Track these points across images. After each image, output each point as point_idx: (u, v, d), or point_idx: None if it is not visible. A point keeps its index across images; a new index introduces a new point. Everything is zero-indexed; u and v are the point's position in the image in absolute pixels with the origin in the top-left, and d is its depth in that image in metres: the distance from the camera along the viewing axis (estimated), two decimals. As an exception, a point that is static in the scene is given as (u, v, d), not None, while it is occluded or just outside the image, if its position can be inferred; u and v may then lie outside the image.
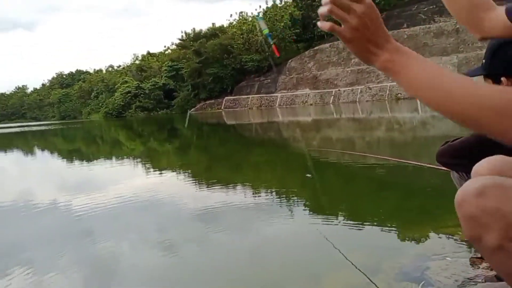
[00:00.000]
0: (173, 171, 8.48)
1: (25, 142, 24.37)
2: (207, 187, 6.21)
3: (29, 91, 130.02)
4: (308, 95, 50.70)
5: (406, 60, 0.83)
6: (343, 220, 4.00)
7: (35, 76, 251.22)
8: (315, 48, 53.47)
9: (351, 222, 3.92)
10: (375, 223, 3.82)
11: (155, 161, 10.76)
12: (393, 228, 3.68)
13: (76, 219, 4.76)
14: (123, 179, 7.52)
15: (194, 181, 7.03)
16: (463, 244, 2.92)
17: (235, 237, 3.79)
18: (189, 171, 8.34)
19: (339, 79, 48.72)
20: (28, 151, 17.93)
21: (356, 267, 2.68)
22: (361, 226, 3.78)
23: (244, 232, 3.91)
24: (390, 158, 6.10)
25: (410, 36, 43.45)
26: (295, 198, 5.06)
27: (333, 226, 3.80)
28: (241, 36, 59.60)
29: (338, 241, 3.24)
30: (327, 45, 51.96)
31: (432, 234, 3.32)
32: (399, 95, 40.99)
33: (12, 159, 14.85)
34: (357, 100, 44.41)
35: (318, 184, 5.83)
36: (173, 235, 3.94)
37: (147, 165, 9.93)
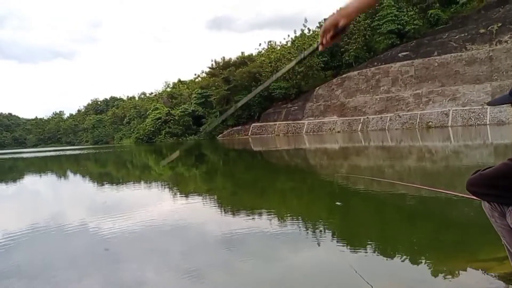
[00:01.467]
0: (199, 196, 8.51)
1: (59, 166, 25.28)
2: (233, 213, 6.17)
3: (65, 116, 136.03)
4: (336, 122, 50.40)
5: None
6: (373, 250, 3.85)
7: (72, 102, 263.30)
8: (343, 75, 53.61)
9: (381, 252, 3.77)
10: (406, 254, 3.65)
11: (182, 186, 10.86)
12: (424, 260, 3.50)
13: (103, 241, 4.81)
14: (150, 203, 7.60)
15: (219, 207, 7.01)
16: (498, 279, 2.73)
17: (260, 265, 3.71)
18: (215, 196, 8.35)
19: (367, 107, 48.31)
20: (61, 174, 18.55)
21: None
22: (391, 257, 3.62)
23: (270, 261, 3.82)
24: (421, 187, 5.90)
25: (441, 64, 42.83)
26: (323, 226, 4.93)
27: (362, 257, 3.67)
28: (269, 64, 60.66)
29: (367, 272, 3.13)
30: (355, 72, 51.99)
31: (465, 268, 3.13)
32: (430, 123, 40.08)
33: (45, 181, 15.39)
34: (386, 128, 43.71)
35: (347, 212, 5.70)
36: (198, 261, 3.90)
37: (174, 190, 10.03)
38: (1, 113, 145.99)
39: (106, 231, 5.27)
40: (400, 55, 47.89)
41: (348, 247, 4.01)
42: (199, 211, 6.56)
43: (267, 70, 60.47)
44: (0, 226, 6.04)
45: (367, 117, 47.23)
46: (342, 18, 1.49)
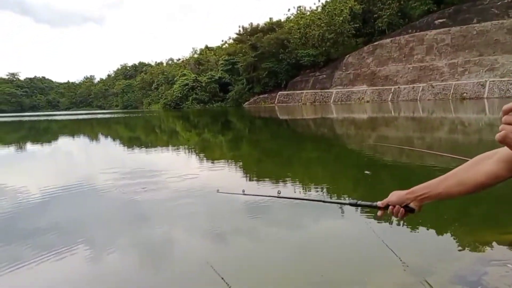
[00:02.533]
0: (224, 163, 8.62)
1: (91, 129, 26.11)
2: (258, 181, 6.24)
3: (96, 81, 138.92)
4: (365, 92, 49.17)
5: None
6: (401, 221, 3.83)
7: (101, 67, 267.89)
8: (375, 43, 51.63)
9: (407, 222, 3.74)
10: (433, 225, 3.61)
11: (208, 152, 11.03)
12: (451, 231, 3.46)
13: (132, 202, 5.00)
14: (177, 168, 7.78)
15: (244, 174, 7.10)
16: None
17: (285, 233, 3.77)
18: (240, 163, 8.44)
19: (399, 76, 46.69)
20: (93, 137, 19.19)
21: (409, 267, 2.57)
22: (417, 227, 3.60)
23: (294, 229, 3.88)
24: (453, 156, 5.73)
25: (480, 32, 40.45)
26: (350, 195, 4.92)
27: (387, 226, 3.67)
28: (298, 31, 59.03)
29: (392, 240, 3.13)
30: (387, 40, 49.97)
31: (493, 240, 3.08)
32: (465, 94, 38.45)
33: (78, 144, 15.98)
34: (418, 98, 42.31)
35: (376, 181, 5.65)
36: (224, 226, 4.00)
37: (201, 155, 10.20)
38: (36, 76, 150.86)
39: (136, 193, 5.46)
40: (436, 22, 45.47)
41: (373, 215, 4.00)
42: (223, 177, 6.67)
43: (295, 36, 58.95)
44: (37, 184, 6.36)
45: (398, 87, 45.75)
46: (414, 202, 1.28)
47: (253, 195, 2.16)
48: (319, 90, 55.12)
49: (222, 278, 2.67)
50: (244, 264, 3.04)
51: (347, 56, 53.71)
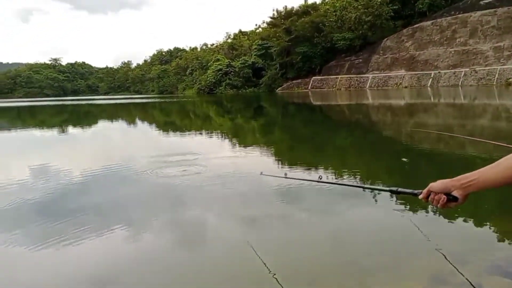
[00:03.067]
0: (257, 148, 8.65)
1: (129, 113, 26.90)
2: (296, 165, 6.22)
3: (133, 66, 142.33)
4: (403, 77, 47.51)
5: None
6: (437, 209, 3.72)
7: (138, 52, 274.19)
8: (415, 26, 49.53)
9: (444, 211, 3.63)
10: (471, 214, 3.49)
11: (244, 136, 11.10)
12: (489, 221, 3.33)
13: (174, 184, 5.14)
14: (216, 151, 7.89)
15: (277, 159, 7.10)
16: None
17: (317, 219, 3.77)
18: (277, 148, 8.45)
19: (440, 60, 44.69)
20: (131, 121, 19.78)
21: (444, 256, 2.51)
22: (454, 216, 3.49)
23: (332, 213, 3.87)
24: (497, 143, 5.45)
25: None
26: (387, 182, 4.81)
27: (423, 214, 3.59)
28: (334, 13, 57.52)
29: (427, 229, 3.08)
30: (428, 22, 47.80)
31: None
32: (511, 80, 36.31)
33: (118, 127, 16.54)
34: (460, 84, 40.41)
35: (414, 169, 5.50)
36: (265, 208, 4.05)
37: (237, 140, 10.29)
38: (76, 61, 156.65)
39: (171, 175, 5.60)
40: (481, 3, 42.86)
41: (411, 205, 3.90)
42: (256, 162, 6.70)
43: (331, 19, 57.50)
44: (79, 166, 6.66)
45: (439, 72, 43.83)
46: (458, 190, 1.23)
47: (294, 178, 2.17)
48: (355, 75, 53.79)
49: (260, 257, 2.72)
50: (281, 245, 3.08)
51: (385, 39, 51.90)
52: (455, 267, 2.41)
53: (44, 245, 3.23)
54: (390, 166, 6.02)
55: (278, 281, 2.41)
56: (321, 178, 1.87)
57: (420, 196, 1.33)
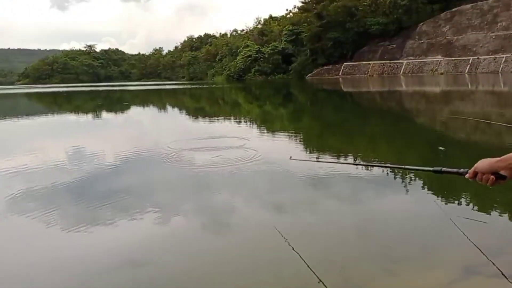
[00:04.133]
0: (285, 135, 8.58)
1: (160, 99, 27.37)
2: (319, 153, 6.13)
3: (164, 53, 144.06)
4: (439, 63, 45.66)
5: None
6: (470, 200, 3.57)
7: (170, 39, 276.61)
8: (453, 9, 47.26)
9: (476, 202, 3.47)
10: (505, 207, 3.32)
11: (269, 123, 11.04)
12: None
13: (198, 170, 5.19)
14: (246, 136, 7.88)
15: (305, 147, 7.01)
16: None
17: (345, 208, 3.70)
18: (301, 135, 8.35)
19: (479, 46, 42.57)
20: (162, 107, 20.12)
21: (476, 246, 2.41)
22: (487, 207, 3.34)
23: (361, 199, 3.80)
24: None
25: None
26: (420, 173, 4.62)
27: (455, 205, 3.46)
28: (368, -3, 55.72)
29: (460, 219, 2.98)
30: (468, 6, 45.49)
31: None
32: (558, 65, 34.17)
33: (149, 113, 16.87)
34: (500, 70, 38.40)
35: (451, 158, 5.31)
36: (285, 196, 4.02)
37: (262, 127, 10.26)
38: (110, 48, 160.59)
39: (200, 162, 5.66)
40: (529, -17, 40.20)
41: (444, 195, 3.76)
42: (284, 150, 6.63)
43: (364, 3, 55.76)
44: (112, 150, 6.85)
45: (478, 58, 41.78)
46: (505, 170, 1.21)
47: (327, 162, 2.11)
48: (388, 61, 52.19)
49: (286, 240, 2.74)
50: (310, 231, 3.07)
51: (421, 24, 49.88)
52: (487, 258, 2.33)
53: (78, 226, 3.34)
54: (425, 155, 5.82)
55: (309, 267, 2.38)
56: (356, 161, 1.82)
57: (467, 176, 1.32)
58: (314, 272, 2.31)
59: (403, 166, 1.65)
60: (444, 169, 1.40)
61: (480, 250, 2.45)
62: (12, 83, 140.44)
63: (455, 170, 1.37)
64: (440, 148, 5.84)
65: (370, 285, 2.29)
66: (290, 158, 2.48)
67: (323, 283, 2.22)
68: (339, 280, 2.31)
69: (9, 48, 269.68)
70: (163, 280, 2.45)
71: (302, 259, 2.47)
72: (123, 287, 2.39)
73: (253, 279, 2.44)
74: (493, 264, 2.28)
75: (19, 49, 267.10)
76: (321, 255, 2.65)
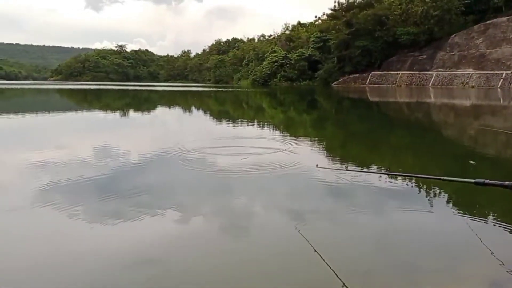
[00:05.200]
0: (308, 143, 8.51)
1: (186, 101, 27.75)
2: (344, 161, 6.03)
3: (192, 55, 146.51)
4: (471, 76, 44.42)
5: None
6: (497, 215, 3.43)
7: (198, 42, 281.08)
8: (488, 22, 45.99)
9: (505, 220, 3.32)
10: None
11: (292, 130, 10.99)
12: None
13: (219, 174, 5.20)
14: (271, 141, 7.88)
15: (328, 156, 6.92)
16: None
17: (368, 219, 3.62)
18: (324, 144, 8.26)
19: (514, 60, 41.19)
20: (188, 108, 20.39)
21: (502, 262, 2.29)
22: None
23: (385, 210, 3.72)
24: None
25: None
26: (445, 187, 4.48)
27: (483, 221, 3.35)
28: (399, 6, 54.94)
29: (487, 236, 2.93)
30: (504, 18, 44.18)
31: None
32: None
33: (175, 114, 17.12)
34: (536, 86, 37.01)
35: (482, 172, 5.13)
36: (308, 204, 3.97)
37: (285, 133, 10.22)
38: (140, 49, 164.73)
39: (222, 164, 5.68)
40: None
41: (469, 209, 3.63)
42: (305, 158, 6.58)
43: (395, 12, 54.99)
44: (137, 148, 6.96)
45: (511, 72, 40.40)
46: None
47: (356, 171, 2.07)
48: (417, 72, 51.21)
49: (309, 242, 2.76)
50: (334, 240, 3.05)
51: (453, 35, 48.77)
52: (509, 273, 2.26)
53: (101, 221, 3.41)
54: (456, 169, 5.64)
55: (335, 273, 2.34)
56: (388, 170, 1.79)
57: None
58: (337, 275, 2.32)
59: (442, 178, 1.61)
60: (487, 181, 1.37)
61: (508, 268, 2.37)
62: (45, 79, 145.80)
63: (499, 182, 1.34)
64: (471, 162, 5.65)
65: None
66: (317, 166, 2.47)
67: (346, 287, 2.23)
68: (363, 286, 2.30)
69: (44, 45, 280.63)
70: (182, 279, 2.45)
71: (325, 262, 2.45)
72: (140, 283, 2.40)
73: (274, 280, 2.42)
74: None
75: (53, 47, 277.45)
76: (345, 261, 2.64)
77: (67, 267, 2.62)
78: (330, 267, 2.43)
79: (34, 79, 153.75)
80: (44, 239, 3.09)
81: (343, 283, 2.27)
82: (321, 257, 2.57)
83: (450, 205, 3.91)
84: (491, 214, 3.57)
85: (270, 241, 3.02)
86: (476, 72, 44.17)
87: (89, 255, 2.79)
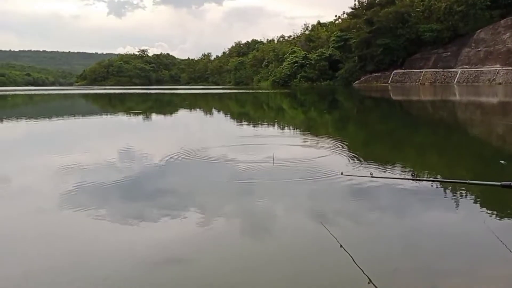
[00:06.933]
0: (329, 143, 8.43)
1: (206, 103, 28.01)
2: (362, 164, 5.95)
3: (212, 58, 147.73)
4: (498, 72, 43.03)
5: None
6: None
7: (218, 44, 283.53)
8: (515, 15, 44.45)
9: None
10: None
11: (313, 130, 10.93)
12: None
13: (240, 174, 5.23)
14: (280, 145, 7.87)
15: (349, 157, 6.83)
16: None
17: (390, 219, 3.58)
18: (346, 144, 8.17)
19: (544, 54, 39.67)
20: (208, 110, 20.58)
21: None
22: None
23: (408, 213, 3.67)
24: None
25: None
26: (471, 189, 4.33)
27: (505, 223, 3.29)
28: (422, 3, 53.85)
29: (508, 238, 2.84)
30: (533, 11, 42.58)
31: None
32: None
33: (196, 116, 17.31)
34: None
35: (508, 172, 4.98)
36: (325, 207, 3.95)
37: (305, 133, 10.17)
38: (161, 53, 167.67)
39: (242, 164, 5.70)
40: None
41: (491, 211, 3.55)
42: (326, 159, 6.53)
43: (418, 9, 53.92)
44: (159, 151, 7.07)
45: (542, 67, 38.94)
46: None
47: (383, 177, 2.04)
48: (441, 69, 49.99)
49: (335, 238, 2.81)
50: (358, 235, 3.13)
51: (478, 31, 47.38)
52: None
53: (124, 222, 3.49)
54: (486, 169, 5.48)
55: (362, 271, 2.33)
56: (415, 176, 1.78)
57: None
58: (363, 272, 2.37)
59: (468, 181, 1.59)
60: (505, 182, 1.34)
61: None
62: (71, 84, 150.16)
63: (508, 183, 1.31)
64: (502, 161, 5.48)
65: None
66: (342, 174, 2.48)
67: (373, 283, 2.26)
68: (389, 284, 2.34)
69: (69, 52, 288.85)
70: (205, 279, 2.49)
71: (352, 258, 2.49)
72: (162, 283, 2.45)
73: (303, 275, 2.43)
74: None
75: (78, 52, 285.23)
76: (371, 259, 2.67)
77: (91, 267, 2.70)
78: (356, 264, 2.48)
79: (60, 85, 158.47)
80: (67, 237, 3.20)
81: (370, 280, 2.30)
82: (348, 254, 2.61)
83: (475, 207, 3.83)
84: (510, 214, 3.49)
85: (297, 237, 3.13)
86: (504, 68, 42.75)
87: (110, 253, 2.87)
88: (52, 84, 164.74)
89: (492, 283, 2.38)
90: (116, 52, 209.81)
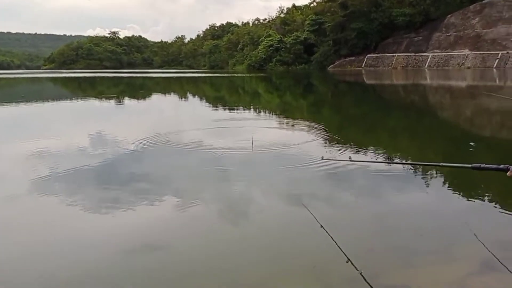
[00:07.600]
0: (306, 126, 8.51)
1: (180, 87, 27.56)
2: (339, 148, 6.05)
3: (186, 41, 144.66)
4: (467, 57, 44.29)
5: None
6: (492, 201, 3.48)
7: (192, 26, 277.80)
8: (484, 1, 45.58)
9: (497, 206, 3.39)
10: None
11: (289, 114, 10.97)
12: None
13: (216, 159, 5.21)
14: (257, 129, 7.88)
15: (324, 141, 6.92)
16: None
17: (366, 202, 3.66)
18: (323, 128, 8.26)
19: (509, 40, 41.04)
20: (183, 95, 20.27)
21: (483, 244, 2.34)
22: (499, 206, 3.25)
23: (382, 195, 3.76)
24: None
25: None
26: (443, 171, 4.48)
27: (471, 203, 3.40)
28: (394, -13, 54.23)
29: (474, 219, 3.05)
30: (500, -3, 43.77)
31: None
32: None
33: (170, 101, 17.02)
34: (531, 65, 36.99)
35: (483, 154, 5.18)
36: (305, 192, 4.00)
37: (281, 118, 10.21)
38: (133, 35, 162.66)
39: (218, 150, 5.68)
40: None
41: (460, 195, 3.69)
42: (303, 143, 6.59)
43: (391, -7, 54.28)
44: (132, 136, 6.93)
45: (507, 52, 40.28)
46: None
47: (360, 161, 2.10)
48: (413, 54, 50.94)
49: (314, 216, 2.88)
50: (337, 216, 3.14)
51: (448, 16, 48.37)
52: (495, 257, 2.38)
53: (99, 209, 3.43)
54: (457, 152, 5.67)
55: (342, 250, 2.38)
56: (392, 159, 1.83)
57: (508, 174, 1.36)
58: (343, 251, 2.45)
59: (440, 164, 1.65)
60: (483, 165, 1.42)
61: (496, 249, 2.47)
62: (38, 67, 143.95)
63: (494, 166, 1.39)
64: (471, 143, 5.68)
65: (393, 272, 2.35)
66: (322, 158, 2.51)
67: (352, 263, 2.34)
68: (367, 263, 2.41)
69: (36, 33, 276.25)
70: (184, 265, 2.49)
71: (332, 238, 2.51)
72: (139, 269, 2.43)
73: (283, 253, 2.46)
74: (501, 263, 2.31)
75: (45, 34, 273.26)
76: (350, 239, 2.76)
77: (67, 254, 2.65)
78: (336, 244, 2.56)
79: (27, 68, 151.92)
80: (40, 226, 3.12)
81: (348, 259, 2.37)
82: (328, 234, 2.69)
83: (447, 189, 3.97)
84: (486, 197, 3.63)
85: (278, 219, 3.21)
86: (472, 52, 44.03)
87: (85, 242, 2.82)
88: (18, 67, 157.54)
89: (463, 260, 2.50)
90: (86, 34, 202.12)
